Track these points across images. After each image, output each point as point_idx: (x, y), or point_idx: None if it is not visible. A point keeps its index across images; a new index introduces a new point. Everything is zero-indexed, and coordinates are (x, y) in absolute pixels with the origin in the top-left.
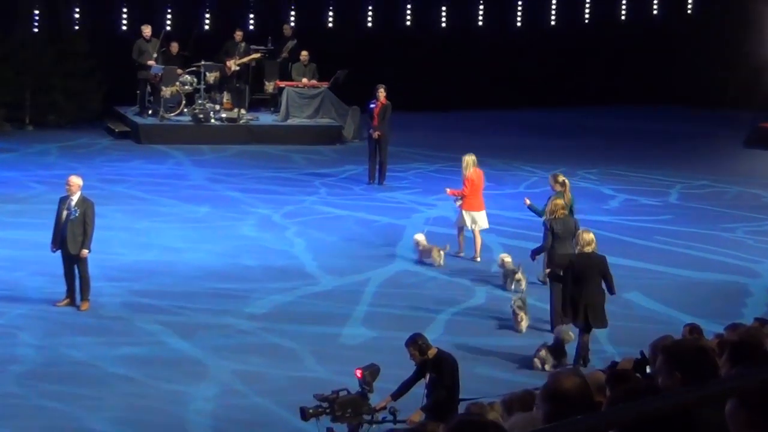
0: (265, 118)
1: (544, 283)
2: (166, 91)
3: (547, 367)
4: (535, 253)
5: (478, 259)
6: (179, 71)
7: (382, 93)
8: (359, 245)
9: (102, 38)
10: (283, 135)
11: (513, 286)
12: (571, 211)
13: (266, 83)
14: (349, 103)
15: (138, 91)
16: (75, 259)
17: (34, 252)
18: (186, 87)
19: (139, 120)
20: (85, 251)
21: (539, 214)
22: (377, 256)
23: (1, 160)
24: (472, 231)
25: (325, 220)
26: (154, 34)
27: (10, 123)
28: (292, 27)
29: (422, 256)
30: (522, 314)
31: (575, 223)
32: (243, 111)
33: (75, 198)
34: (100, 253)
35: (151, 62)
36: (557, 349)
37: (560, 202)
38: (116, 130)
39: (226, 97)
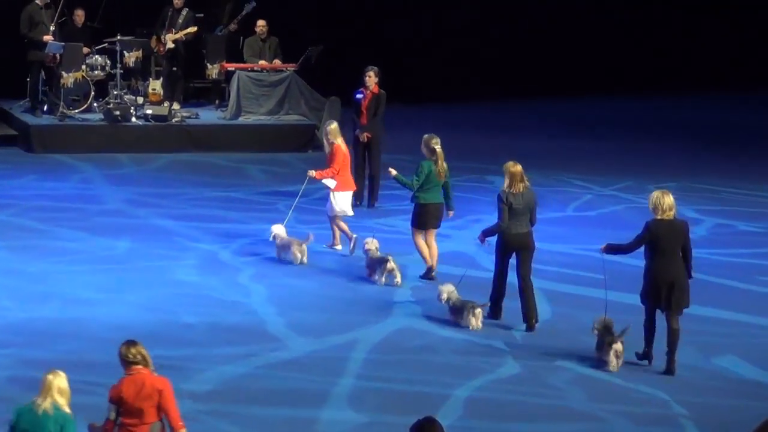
0: (208, 116)
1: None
2: (68, 78)
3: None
4: (486, 234)
5: (339, 247)
6: (86, 50)
7: (372, 78)
8: (342, 294)
9: None
10: (233, 139)
11: (384, 279)
12: (448, 185)
13: (208, 66)
14: (325, 93)
15: (28, 79)
16: None
17: None
18: (96, 72)
19: (30, 119)
20: None
21: (410, 186)
22: (367, 308)
23: None
24: (333, 218)
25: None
26: None
27: None
28: None
29: (280, 253)
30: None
31: (535, 196)
32: (176, 105)
33: None
34: None
35: (47, 37)
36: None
37: (518, 169)
38: None
39: (152, 85)
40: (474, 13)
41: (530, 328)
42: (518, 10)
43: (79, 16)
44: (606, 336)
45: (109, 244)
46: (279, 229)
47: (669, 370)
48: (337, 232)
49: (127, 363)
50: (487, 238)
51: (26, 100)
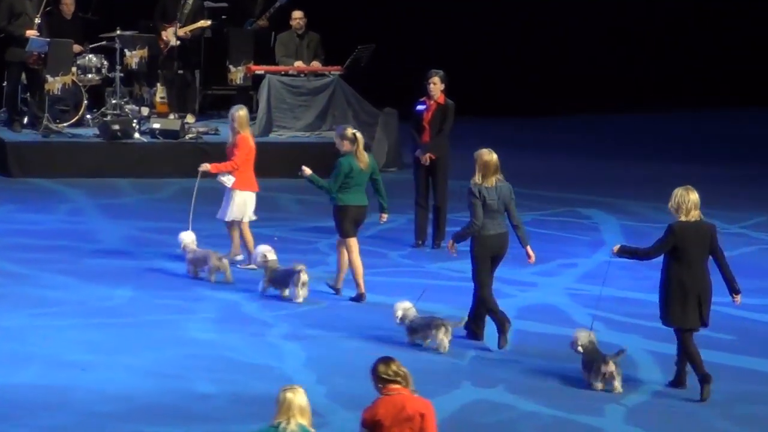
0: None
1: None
2: (55, 84)
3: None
4: (458, 239)
5: (240, 257)
6: (77, 47)
7: (437, 86)
8: (396, 355)
9: None
10: (262, 161)
11: (300, 292)
12: (378, 182)
13: (231, 69)
14: (378, 103)
15: (5, 84)
16: None
17: None
18: (90, 76)
19: (6, 135)
20: None
21: (327, 189)
22: (428, 375)
23: None
24: (240, 225)
25: (337, 311)
26: None
27: None
28: None
29: (193, 267)
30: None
31: (510, 190)
32: (190, 118)
33: None
34: None
35: (30, 32)
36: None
37: (493, 158)
38: None
39: (160, 92)
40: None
41: (504, 335)
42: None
43: (68, 5)
44: (595, 355)
45: (104, 293)
46: (188, 237)
47: (682, 382)
48: (236, 240)
49: (384, 382)
50: (457, 245)
51: (2, 110)
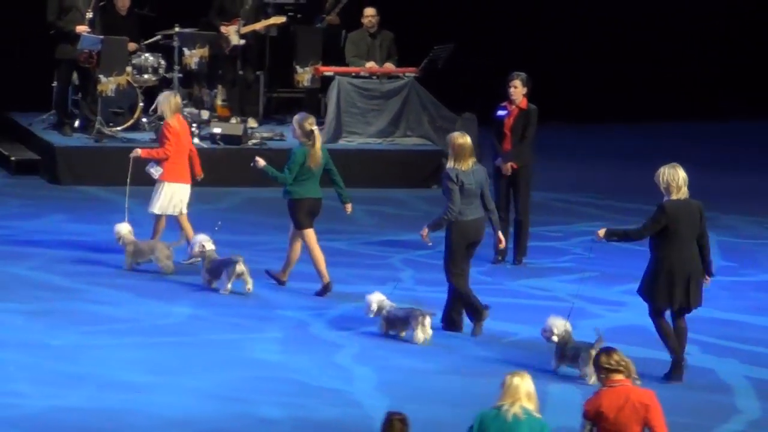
0: None
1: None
2: (108, 84)
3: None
4: (433, 227)
5: (195, 260)
6: (133, 46)
7: (519, 89)
8: (475, 380)
9: None
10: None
11: (230, 286)
12: (333, 172)
13: (298, 70)
14: (456, 107)
15: (54, 84)
16: None
17: None
18: (146, 76)
19: (55, 139)
20: None
21: (282, 180)
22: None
23: None
24: (179, 218)
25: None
26: None
27: None
28: None
29: (132, 259)
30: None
31: (485, 173)
32: (253, 122)
33: None
34: None
35: (81, 28)
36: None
37: (466, 141)
38: (12, 159)
39: (221, 95)
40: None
41: (479, 325)
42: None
43: (123, 0)
44: (575, 343)
45: (162, 310)
46: (124, 229)
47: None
48: (160, 229)
49: (606, 372)
50: (431, 234)
51: (51, 113)
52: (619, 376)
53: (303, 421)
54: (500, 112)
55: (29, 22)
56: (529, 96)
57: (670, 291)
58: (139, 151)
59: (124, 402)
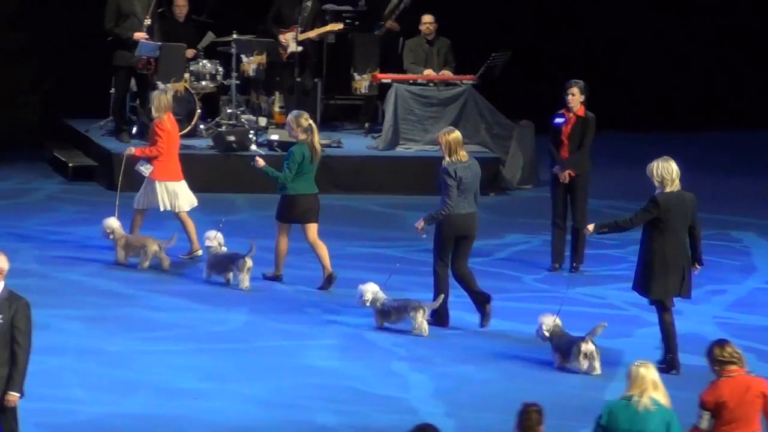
0: (355, 144)
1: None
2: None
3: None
4: (432, 219)
5: (199, 252)
6: (191, 52)
7: (577, 97)
8: (533, 387)
9: None
10: (388, 176)
11: (244, 279)
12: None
13: (356, 77)
14: (513, 115)
15: (112, 91)
16: None
17: None
18: (203, 83)
19: (113, 146)
20: (13, 396)
21: (282, 180)
22: (570, 410)
23: None
24: (178, 216)
25: (464, 339)
26: None
27: None
28: None
29: (124, 255)
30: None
31: (479, 167)
32: None
33: None
34: (38, 400)
35: (138, 35)
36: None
37: (456, 136)
38: (70, 165)
39: (278, 102)
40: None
41: (486, 315)
42: None
43: (181, 6)
44: (567, 337)
45: (218, 316)
46: (115, 224)
47: (674, 366)
48: (138, 222)
49: (720, 364)
50: (426, 226)
51: (109, 120)
52: (734, 367)
53: (358, 429)
54: (558, 120)
55: (87, 29)
56: (587, 104)
57: (665, 282)
58: (132, 150)
59: (180, 409)
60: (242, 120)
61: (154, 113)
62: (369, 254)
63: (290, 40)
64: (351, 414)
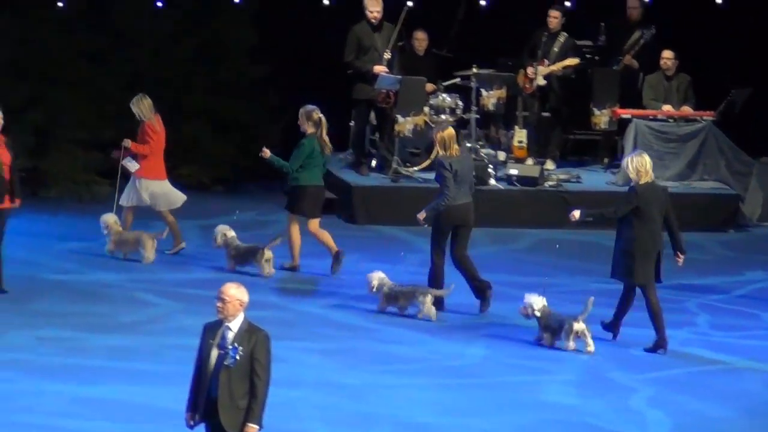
0: (594, 179)
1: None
2: (405, 125)
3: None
4: (432, 210)
5: (183, 245)
6: (430, 86)
7: None
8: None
9: (276, 22)
10: None
11: (267, 270)
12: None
13: (595, 112)
14: (755, 152)
15: (352, 123)
16: None
17: (148, 426)
18: (443, 116)
19: (352, 178)
20: (252, 428)
21: (287, 169)
22: None
23: (86, 249)
24: (161, 213)
25: (706, 376)
26: (387, 13)
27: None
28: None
29: (116, 247)
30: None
31: (472, 159)
32: (550, 164)
33: (233, 326)
34: None
35: (378, 68)
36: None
37: (449, 132)
38: None
39: (518, 136)
40: None
41: (486, 301)
42: None
43: (421, 40)
44: (557, 317)
45: (456, 350)
46: (110, 219)
47: (662, 344)
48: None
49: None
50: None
51: (348, 152)
52: None
53: None
54: None
55: (327, 62)
56: None
57: (645, 267)
58: (129, 142)
59: None
60: (482, 154)
61: (142, 117)
62: (609, 290)
63: (538, 74)
64: None
